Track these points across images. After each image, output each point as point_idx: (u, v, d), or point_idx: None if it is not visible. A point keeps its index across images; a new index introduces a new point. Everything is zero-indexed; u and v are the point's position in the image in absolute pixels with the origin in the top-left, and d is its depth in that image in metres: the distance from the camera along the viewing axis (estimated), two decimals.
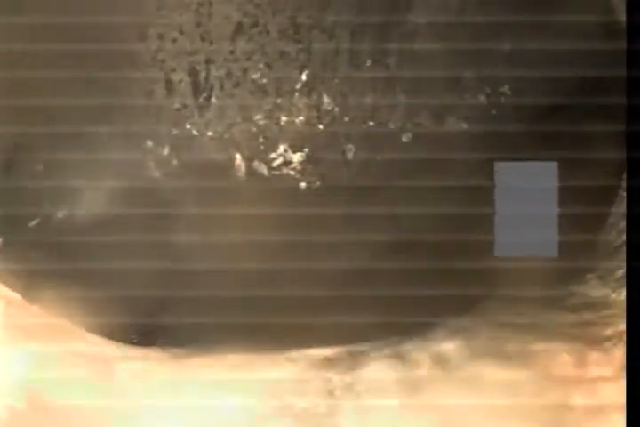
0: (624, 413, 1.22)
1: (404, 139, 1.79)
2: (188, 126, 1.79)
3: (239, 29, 1.79)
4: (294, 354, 1.55)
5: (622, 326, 1.39)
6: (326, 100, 1.79)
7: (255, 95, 1.80)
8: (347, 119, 1.79)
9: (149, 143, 1.79)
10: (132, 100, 1.79)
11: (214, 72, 1.79)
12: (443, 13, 1.76)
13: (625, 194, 1.72)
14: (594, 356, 1.36)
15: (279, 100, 1.80)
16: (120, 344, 1.59)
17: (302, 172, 1.80)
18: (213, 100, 1.79)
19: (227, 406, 1.41)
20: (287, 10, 1.78)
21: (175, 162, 1.79)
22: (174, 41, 1.78)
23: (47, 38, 1.73)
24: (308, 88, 1.79)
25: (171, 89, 1.79)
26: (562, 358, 1.37)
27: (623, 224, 1.69)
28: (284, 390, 1.44)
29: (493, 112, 1.79)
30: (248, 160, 1.80)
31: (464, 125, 1.79)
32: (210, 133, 1.80)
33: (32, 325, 1.57)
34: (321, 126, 1.80)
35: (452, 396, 1.38)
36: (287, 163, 1.80)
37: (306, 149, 1.80)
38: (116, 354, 1.54)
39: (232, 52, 1.79)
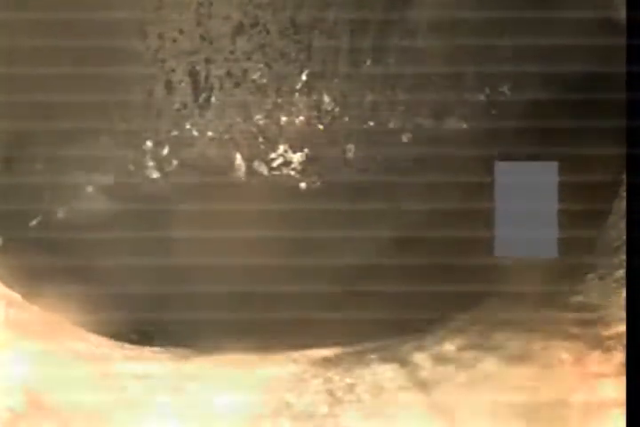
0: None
1: (404, 139, 1.79)
2: (187, 126, 1.80)
3: (239, 29, 1.79)
4: (295, 354, 1.55)
5: (622, 326, 1.39)
6: (326, 99, 1.79)
7: (255, 95, 1.80)
8: (347, 119, 1.80)
9: (149, 143, 1.79)
10: (132, 100, 1.79)
11: (214, 72, 1.79)
12: (442, 11, 1.77)
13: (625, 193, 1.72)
14: (594, 355, 1.36)
15: (279, 100, 1.80)
16: (120, 344, 1.59)
17: (302, 172, 1.80)
18: (213, 100, 1.80)
19: (227, 405, 1.41)
20: (287, 10, 1.79)
21: (175, 162, 1.79)
22: (174, 41, 1.79)
23: (48, 37, 1.74)
24: (308, 88, 1.79)
25: (171, 89, 1.79)
26: (562, 356, 1.37)
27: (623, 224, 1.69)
28: (285, 390, 1.44)
29: (493, 112, 1.80)
30: (248, 160, 1.80)
31: (464, 125, 1.79)
32: (210, 133, 1.80)
33: (32, 325, 1.56)
34: (321, 126, 1.80)
35: (453, 395, 1.38)
36: (287, 163, 1.80)
37: (306, 149, 1.80)
38: (116, 354, 1.54)
39: (232, 52, 1.79)
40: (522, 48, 1.77)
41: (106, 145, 1.78)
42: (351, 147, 1.80)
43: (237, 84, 1.80)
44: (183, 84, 1.79)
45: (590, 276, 1.63)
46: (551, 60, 1.77)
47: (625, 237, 1.61)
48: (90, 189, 1.78)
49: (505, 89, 1.80)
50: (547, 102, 1.78)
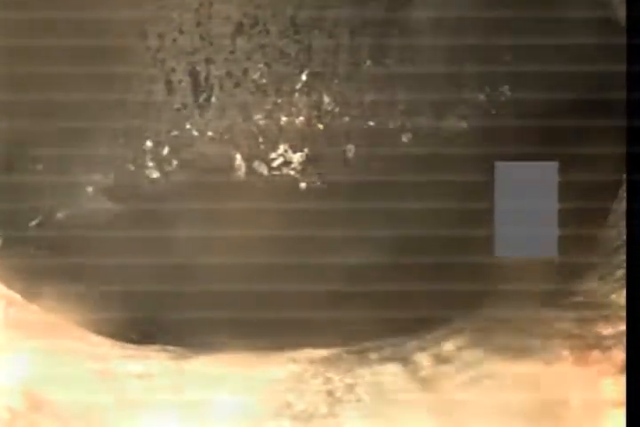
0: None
1: (404, 138, 1.79)
2: (187, 126, 1.80)
3: (239, 29, 1.79)
4: (295, 354, 1.54)
5: (622, 326, 1.39)
6: (326, 99, 1.79)
7: (255, 95, 1.80)
8: (347, 119, 1.80)
9: (149, 143, 1.79)
10: (132, 100, 1.79)
11: (214, 72, 1.79)
12: (442, 11, 1.78)
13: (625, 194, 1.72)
14: (594, 354, 1.36)
15: (279, 100, 1.80)
16: (120, 343, 1.59)
17: (302, 172, 1.80)
18: (213, 100, 1.80)
19: (227, 405, 1.40)
20: (287, 10, 1.79)
21: (175, 162, 1.79)
22: (174, 41, 1.79)
23: (49, 37, 1.74)
24: (308, 88, 1.79)
25: (171, 89, 1.79)
26: (562, 355, 1.37)
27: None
28: (285, 390, 1.44)
29: (493, 111, 1.80)
30: (248, 160, 1.80)
31: (464, 125, 1.79)
32: (210, 133, 1.80)
33: (32, 325, 1.56)
34: (321, 126, 1.80)
35: (453, 395, 1.38)
36: (287, 163, 1.80)
37: (306, 149, 1.80)
38: (117, 353, 1.54)
39: (232, 52, 1.79)
40: (522, 48, 1.77)
41: (106, 145, 1.78)
42: (351, 147, 1.79)
43: (237, 84, 1.80)
44: (183, 84, 1.79)
45: (590, 276, 1.63)
46: (551, 60, 1.77)
47: (625, 237, 1.61)
48: (90, 189, 1.78)
49: (505, 89, 1.80)
50: (546, 102, 1.78)
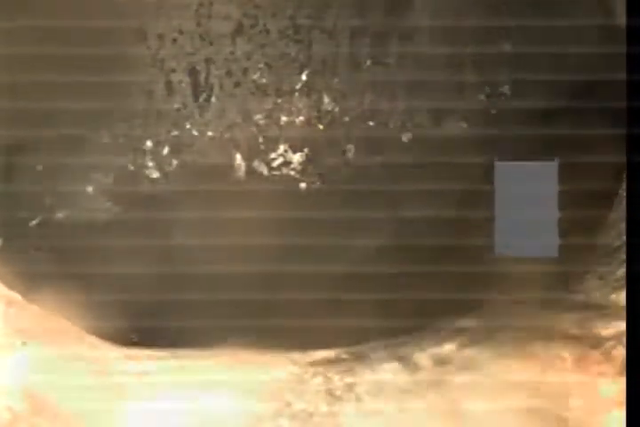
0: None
1: (404, 139, 1.79)
2: (187, 126, 1.80)
3: (239, 29, 1.79)
4: (295, 355, 1.54)
5: (622, 326, 1.39)
6: (326, 100, 1.79)
7: (255, 95, 1.80)
8: (347, 119, 1.80)
9: (149, 143, 1.79)
10: (132, 100, 1.79)
11: (214, 72, 1.80)
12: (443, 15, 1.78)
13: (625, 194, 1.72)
14: (594, 355, 1.36)
15: (279, 101, 1.80)
16: (120, 344, 1.59)
17: (302, 172, 1.80)
18: (213, 100, 1.80)
19: (227, 405, 1.41)
20: (287, 10, 1.79)
21: (175, 162, 1.79)
22: (174, 41, 1.79)
23: (48, 41, 1.74)
24: (308, 88, 1.79)
25: (171, 89, 1.79)
26: (562, 356, 1.37)
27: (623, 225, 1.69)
28: (285, 390, 1.44)
29: (493, 112, 1.80)
30: (248, 160, 1.80)
31: (463, 125, 1.79)
32: (210, 134, 1.80)
33: (32, 325, 1.56)
34: (321, 126, 1.80)
35: (453, 395, 1.38)
36: (287, 163, 1.80)
37: (306, 150, 1.80)
38: (117, 354, 1.54)
39: (232, 53, 1.80)
40: (522, 47, 1.77)
41: (106, 145, 1.78)
42: (351, 147, 1.79)
43: (237, 84, 1.80)
44: (183, 84, 1.79)
45: (590, 276, 1.63)
46: (551, 67, 1.77)
47: (625, 237, 1.61)
48: (90, 189, 1.78)
49: (505, 89, 1.80)
50: (546, 101, 1.79)
